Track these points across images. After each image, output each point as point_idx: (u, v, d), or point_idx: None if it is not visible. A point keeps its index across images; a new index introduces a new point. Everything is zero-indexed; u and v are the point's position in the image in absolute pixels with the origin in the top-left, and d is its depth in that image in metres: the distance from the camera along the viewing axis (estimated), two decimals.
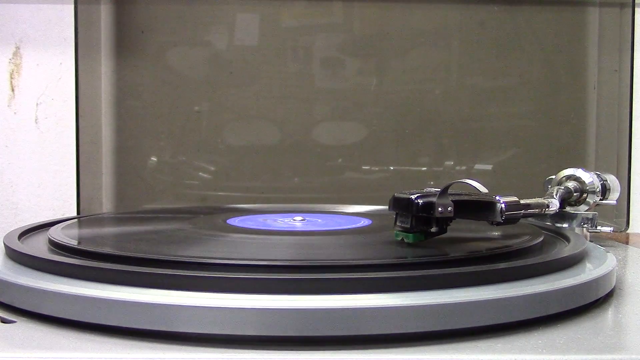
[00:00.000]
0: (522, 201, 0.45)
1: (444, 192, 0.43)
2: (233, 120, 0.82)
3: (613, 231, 0.64)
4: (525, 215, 0.47)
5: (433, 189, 0.44)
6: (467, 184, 0.44)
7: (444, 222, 0.44)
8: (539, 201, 0.50)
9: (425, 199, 0.42)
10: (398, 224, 0.44)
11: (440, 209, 0.42)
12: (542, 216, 0.58)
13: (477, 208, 0.44)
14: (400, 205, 0.43)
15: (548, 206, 0.50)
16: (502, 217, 0.43)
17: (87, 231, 0.56)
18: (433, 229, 0.44)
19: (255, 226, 0.54)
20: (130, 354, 0.31)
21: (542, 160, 0.82)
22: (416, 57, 0.82)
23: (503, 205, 0.43)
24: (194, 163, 0.82)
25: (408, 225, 0.43)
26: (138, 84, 0.81)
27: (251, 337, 0.32)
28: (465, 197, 0.44)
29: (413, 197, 0.43)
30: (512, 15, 0.82)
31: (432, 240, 0.45)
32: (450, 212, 0.43)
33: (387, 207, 0.45)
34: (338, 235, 0.51)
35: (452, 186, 0.43)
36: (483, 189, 0.44)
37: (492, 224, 0.44)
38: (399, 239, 0.44)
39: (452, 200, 0.43)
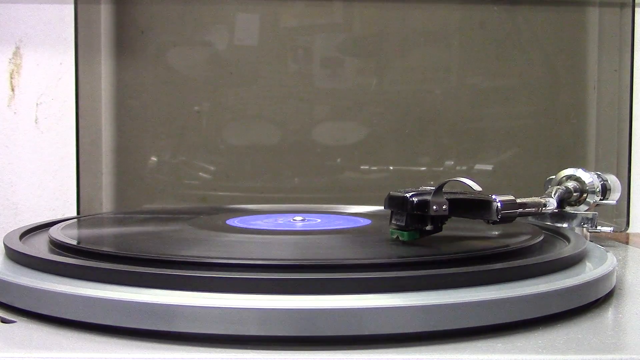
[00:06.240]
0: (518, 200, 0.45)
1: (438, 190, 0.43)
2: (233, 120, 0.82)
3: (613, 231, 0.64)
4: (522, 215, 0.47)
5: (428, 188, 0.44)
6: (461, 182, 0.44)
7: (439, 221, 0.44)
8: (536, 200, 0.49)
9: (420, 197, 0.42)
10: (393, 222, 0.44)
11: (434, 207, 0.42)
12: (539, 215, 0.57)
13: (473, 206, 0.44)
14: (396, 203, 0.43)
15: (545, 205, 0.50)
16: (498, 215, 0.43)
17: (87, 231, 0.56)
18: (428, 227, 0.44)
19: (254, 226, 0.54)
20: (130, 354, 0.31)
21: (542, 160, 0.82)
22: (416, 57, 0.82)
23: (499, 204, 0.43)
24: (194, 163, 0.82)
25: (403, 224, 0.43)
26: (138, 84, 0.81)
27: (251, 337, 0.32)
28: (461, 196, 0.44)
29: (408, 195, 0.43)
30: (512, 15, 0.81)
31: (433, 240, 0.45)
32: (445, 210, 0.43)
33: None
34: (338, 235, 0.51)
35: (449, 185, 0.43)
36: (477, 187, 0.44)
37: (488, 222, 0.44)
38: (394, 237, 0.44)
39: (447, 199, 0.43)
